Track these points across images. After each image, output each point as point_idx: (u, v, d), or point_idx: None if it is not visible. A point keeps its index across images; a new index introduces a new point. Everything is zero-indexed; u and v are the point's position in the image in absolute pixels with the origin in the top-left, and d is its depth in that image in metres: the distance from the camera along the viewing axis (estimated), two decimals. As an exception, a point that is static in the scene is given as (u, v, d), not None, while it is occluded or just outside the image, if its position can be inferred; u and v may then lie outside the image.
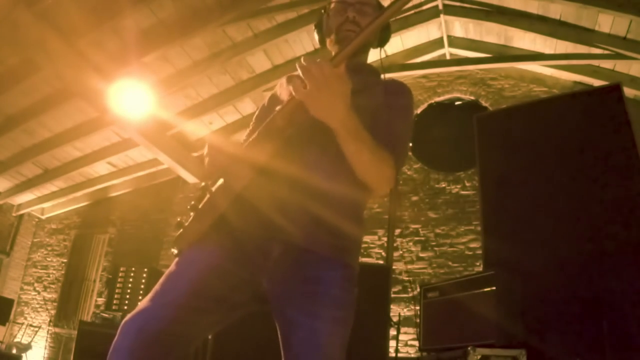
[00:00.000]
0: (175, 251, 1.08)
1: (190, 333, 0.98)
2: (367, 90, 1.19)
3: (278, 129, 1.04)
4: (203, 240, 1.06)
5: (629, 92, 4.47)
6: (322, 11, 1.32)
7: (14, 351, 6.33)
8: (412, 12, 5.33)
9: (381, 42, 1.30)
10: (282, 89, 1.29)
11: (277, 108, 1.05)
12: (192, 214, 1.08)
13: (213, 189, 1.07)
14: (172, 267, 1.05)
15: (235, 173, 1.04)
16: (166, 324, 0.93)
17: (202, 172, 1.10)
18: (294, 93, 0.98)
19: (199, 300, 0.99)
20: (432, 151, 5.72)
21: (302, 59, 0.96)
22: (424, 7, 5.35)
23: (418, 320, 2.75)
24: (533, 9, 4.77)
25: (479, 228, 3.94)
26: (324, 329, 1.02)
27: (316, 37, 1.35)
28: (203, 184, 1.09)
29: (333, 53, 1.19)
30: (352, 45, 0.97)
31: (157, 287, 1.01)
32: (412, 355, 4.59)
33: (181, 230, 1.08)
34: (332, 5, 1.29)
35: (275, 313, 1.08)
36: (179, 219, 1.10)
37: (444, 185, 5.59)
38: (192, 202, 1.08)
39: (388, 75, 1.30)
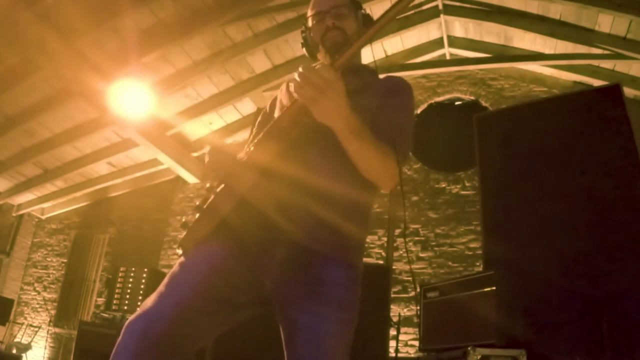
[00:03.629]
0: (180, 252, 1.08)
1: (194, 334, 0.97)
2: (366, 90, 1.20)
3: (284, 130, 1.05)
4: (207, 241, 1.06)
5: (629, 92, 4.47)
6: (302, 28, 1.35)
7: (14, 351, 6.33)
8: (412, 12, 5.32)
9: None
10: (283, 94, 1.29)
11: (283, 110, 1.06)
12: (197, 214, 1.08)
13: (218, 190, 1.07)
14: (176, 268, 1.05)
15: (239, 175, 1.05)
16: (170, 326, 0.92)
17: (202, 174, 1.11)
18: (297, 97, 0.98)
19: (203, 301, 0.99)
20: (432, 151, 5.71)
21: (300, 67, 0.96)
22: (424, 7, 5.34)
23: (418, 320, 2.75)
24: (533, 9, 4.77)
25: (479, 228, 3.94)
26: (328, 330, 1.02)
27: (305, 53, 1.36)
28: (208, 184, 1.10)
29: (327, 62, 1.18)
30: (352, 49, 0.99)
31: (160, 288, 1.00)
32: (412, 355, 4.58)
33: (186, 231, 1.08)
34: (310, 19, 1.31)
35: (278, 314, 1.07)
36: (183, 219, 1.10)
37: (444, 185, 5.58)
38: (197, 203, 1.08)
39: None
